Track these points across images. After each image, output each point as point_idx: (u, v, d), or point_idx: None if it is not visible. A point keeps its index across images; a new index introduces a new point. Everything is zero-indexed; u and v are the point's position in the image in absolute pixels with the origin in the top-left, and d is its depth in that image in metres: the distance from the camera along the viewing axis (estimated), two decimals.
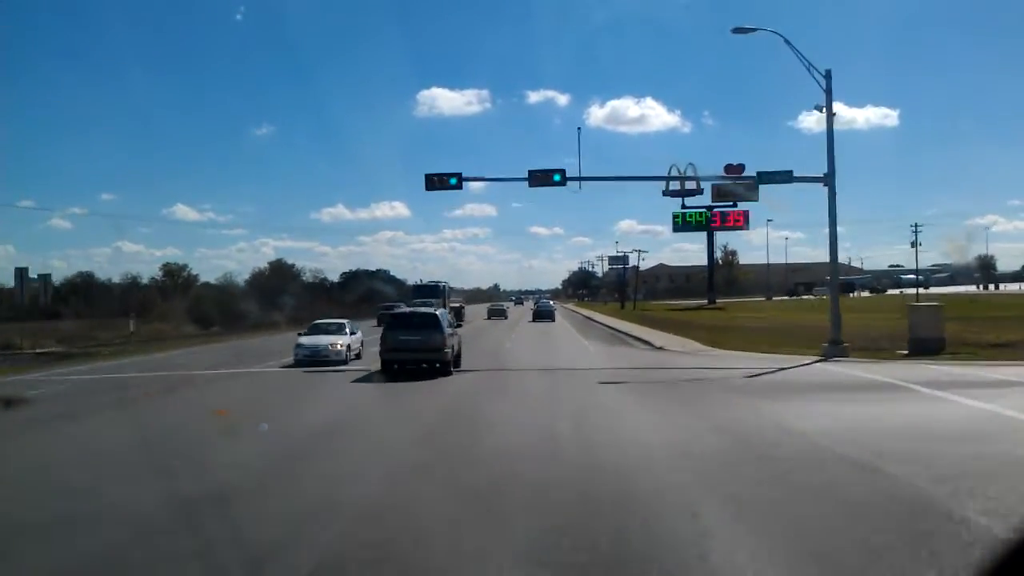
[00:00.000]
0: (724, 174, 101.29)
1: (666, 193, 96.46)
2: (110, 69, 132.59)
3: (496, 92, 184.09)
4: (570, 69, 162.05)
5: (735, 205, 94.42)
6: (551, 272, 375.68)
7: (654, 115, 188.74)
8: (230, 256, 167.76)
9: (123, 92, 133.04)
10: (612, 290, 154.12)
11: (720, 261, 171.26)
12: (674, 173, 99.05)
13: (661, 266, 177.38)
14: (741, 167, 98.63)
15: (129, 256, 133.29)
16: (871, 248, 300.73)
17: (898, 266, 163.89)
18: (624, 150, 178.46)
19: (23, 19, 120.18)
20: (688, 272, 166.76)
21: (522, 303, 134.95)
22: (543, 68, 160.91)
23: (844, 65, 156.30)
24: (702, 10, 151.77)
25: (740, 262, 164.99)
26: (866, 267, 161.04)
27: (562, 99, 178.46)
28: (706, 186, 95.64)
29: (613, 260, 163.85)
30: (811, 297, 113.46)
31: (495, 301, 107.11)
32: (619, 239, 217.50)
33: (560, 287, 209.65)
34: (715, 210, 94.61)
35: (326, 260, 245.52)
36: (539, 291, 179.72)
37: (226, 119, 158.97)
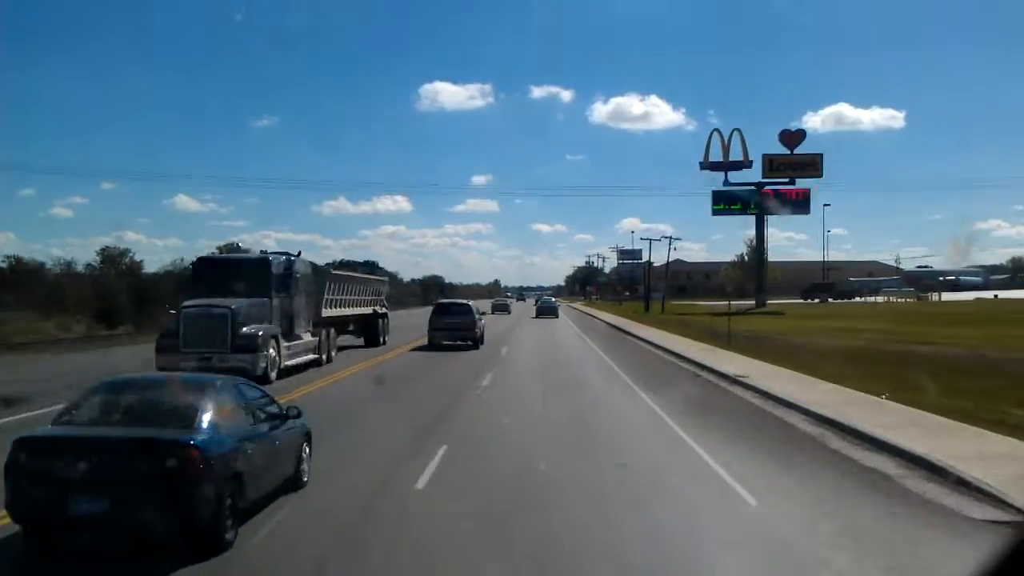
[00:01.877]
0: (780, 143, 79.43)
1: (705, 166, 74.18)
2: (114, 61, 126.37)
3: (499, 87, 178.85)
4: (574, 65, 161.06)
5: (793, 182, 72.12)
6: (553, 269, 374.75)
7: (658, 113, 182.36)
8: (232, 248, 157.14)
9: (126, 84, 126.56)
10: (623, 287, 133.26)
11: (745, 257, 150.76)
12: (715, 141, 77.32)
13: (678, 262, 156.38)
14: (801, 134, 76.38)
15: (130, 245, 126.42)
16: (876, 249, 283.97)
17: (927, 267, 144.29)
18: (628, 148, 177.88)
19: (28, 10, 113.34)
20: (707, 269, 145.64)
21: (524, 299, 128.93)
22: (547, 63, 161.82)
23: (851, 66, 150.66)
24: (708, 9, 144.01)
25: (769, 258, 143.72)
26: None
27: (566, 95, 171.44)
28: (756, 157, 73.44)
29: (624, 254, 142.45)
30: (879, 299, 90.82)
31: (497, 297, 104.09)
32: (621, 238, 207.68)
33: (563, 284, 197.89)
34: (767, 188, 72.36)
35: (328, 253, 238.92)
36: (540, 288, 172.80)
37: (228, 111, 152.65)
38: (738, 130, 72.64)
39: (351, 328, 27.87)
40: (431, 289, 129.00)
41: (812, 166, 71.56)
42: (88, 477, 5.89)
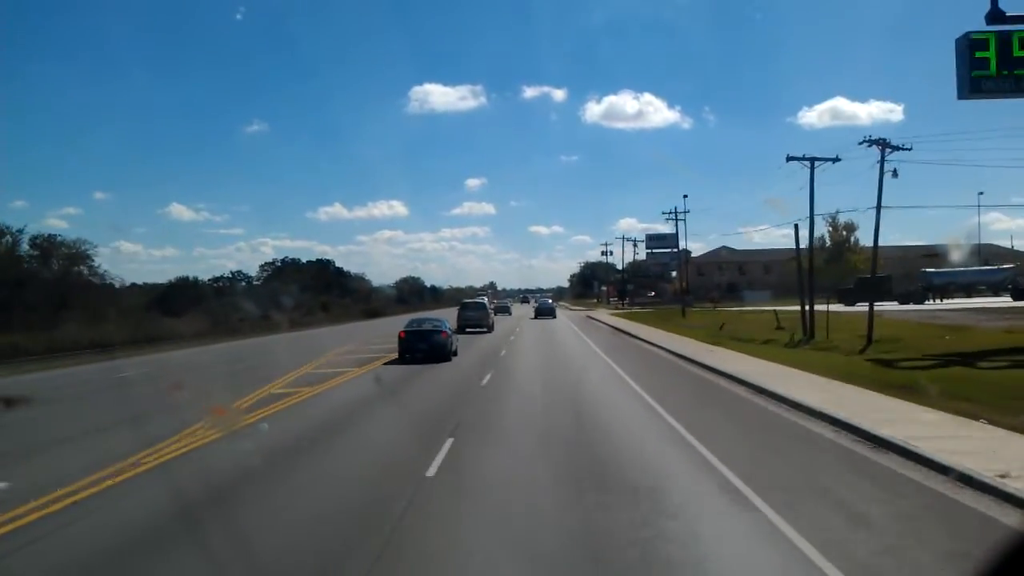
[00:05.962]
0: None
1: None
2: (104, 68, 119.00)
3: (491, 87, 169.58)
4: (567, 64, 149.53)
5: None
6: (552, 271, 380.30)
7: (653, 111, 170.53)
8: (229, 255, 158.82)
9: (116, 91, 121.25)
10: (677, 287, 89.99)
11: (828, 240, 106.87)
12: None
13: (722, 250, 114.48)
14: None
15: (127, 256, 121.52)
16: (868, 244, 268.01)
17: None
18: (623, 147, 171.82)
19: (17, 18, 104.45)
20: (766, 259, 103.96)
21: (528, 301, 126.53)
22: (539, 63, 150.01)
23: (847, 60, 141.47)
24: (702, 6, 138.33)
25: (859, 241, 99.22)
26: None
27: (559, 94, 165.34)
28: None
29: (653, 241, 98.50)
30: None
31: (500, 300, 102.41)
32: (620, 236, 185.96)
33: (566, 284, 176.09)
34: None
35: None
36: (540, 290, 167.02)
37: (219, 117, 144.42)
38: None
39: None
40: (408, 296, 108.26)
41: None
42: (421, 338, 26.02)
